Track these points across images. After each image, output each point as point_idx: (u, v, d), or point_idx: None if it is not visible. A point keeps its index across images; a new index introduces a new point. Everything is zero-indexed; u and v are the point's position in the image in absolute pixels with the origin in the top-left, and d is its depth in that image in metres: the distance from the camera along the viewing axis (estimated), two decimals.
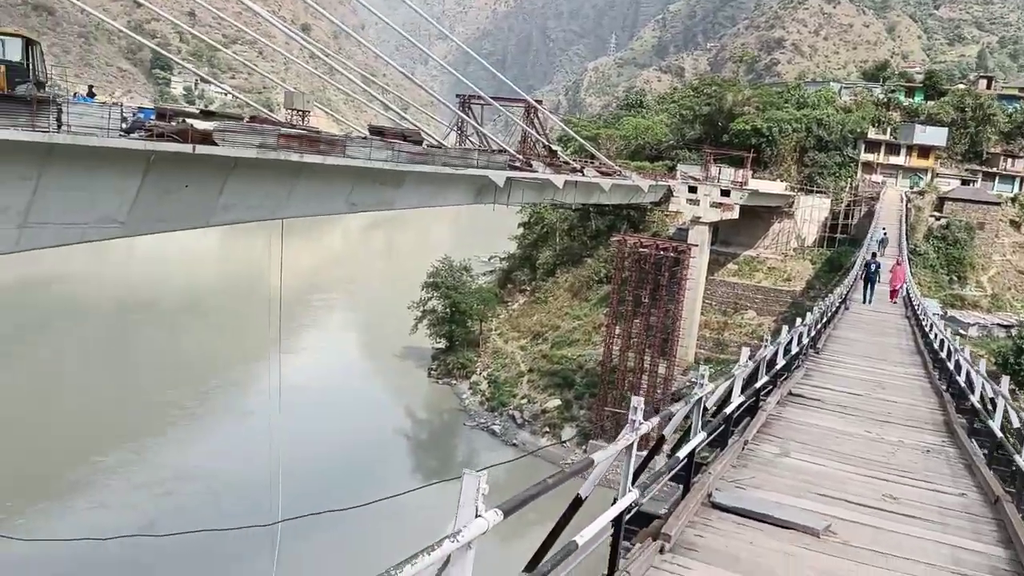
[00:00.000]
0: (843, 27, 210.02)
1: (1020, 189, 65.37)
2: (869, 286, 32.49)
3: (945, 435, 12.33)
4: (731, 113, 66.53)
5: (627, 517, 6.11)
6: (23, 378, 52.59)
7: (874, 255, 34.13)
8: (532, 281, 72.00)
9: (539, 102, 32.65)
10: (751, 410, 11.38)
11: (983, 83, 76.57)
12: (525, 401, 53.80)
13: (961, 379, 15.15)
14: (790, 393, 13.58)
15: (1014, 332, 48.46)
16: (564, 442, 48.63)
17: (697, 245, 50.26)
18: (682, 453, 7.55)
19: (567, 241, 70.89)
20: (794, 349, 15.36)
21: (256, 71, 50.35)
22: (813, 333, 18.30)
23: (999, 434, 11.22)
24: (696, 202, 52.28)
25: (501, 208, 76.93)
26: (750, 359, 10.69)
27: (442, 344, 63.53)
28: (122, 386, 51.78)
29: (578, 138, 39.33)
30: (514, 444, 49.61)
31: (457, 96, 35.06)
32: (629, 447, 5.58)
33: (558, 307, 64.33)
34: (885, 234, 50.98)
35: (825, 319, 21.11)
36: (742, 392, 10.18)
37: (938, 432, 12.50)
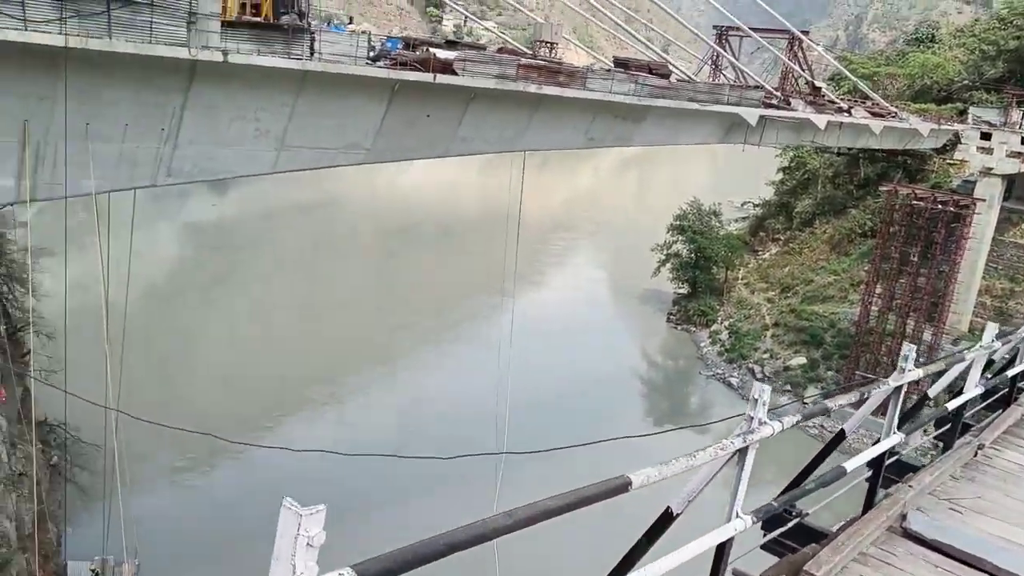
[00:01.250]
0: None
1: None
2: None
3: None
4: None
5: (887, 461, 6.21)
6: (290, 298, 58.73)
7: None
8: (787, 230, 67.78)
9: (805, 32, 29.63)
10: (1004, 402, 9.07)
11: None
12: (767, 356, 51.20)
13: None
14: None
15: None
16: (805, 402, 45.76)
17: (984, 200, 44.06)
18: (952, 405, 7.19)
19: (830, 189, 65.57)
20: None
21: (521, 9, 50.81)
22: None
23: None
24: (989, 151, 45.70)
25: (761, 152, 73.34)
26: None
27: (684, 290, 62.06)
28: (379, 309, 56.30)
29: (846, 72, 35.50)
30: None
31: (714, 28, 32.90)
32: (899, 388, 5.71)
33: (813, 260, 60.03)
34: None
35: None
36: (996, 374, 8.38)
37: None
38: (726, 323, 56.76)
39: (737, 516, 4.11)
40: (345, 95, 15.22)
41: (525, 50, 24.14)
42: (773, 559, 5.19)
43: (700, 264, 60.25)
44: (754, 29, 29.97)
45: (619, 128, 21.34)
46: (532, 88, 17.21)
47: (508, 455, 25.87)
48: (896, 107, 36.42)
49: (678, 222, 61.39)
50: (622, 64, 22.06)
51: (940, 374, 7.32)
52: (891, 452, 6.32)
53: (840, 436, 5.82)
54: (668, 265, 61.60)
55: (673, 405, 51.46)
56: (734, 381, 49.89)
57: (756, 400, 4.09)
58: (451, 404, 41.56)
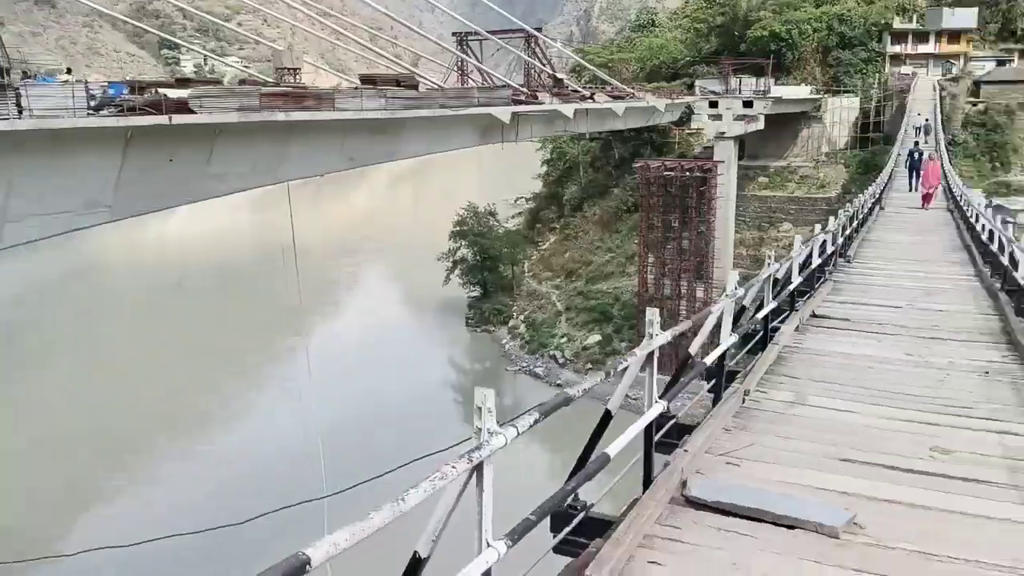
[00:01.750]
0: None
1: None
2: (915, 174, 30.94)
3: (1006, 348, 10.08)
4: (747, 20, 63.80)
5: (661, 431, 6.16)
6: (63, 376, 53.33)
7: (916, 143, 32.45)
8: (560, 218, 70.90)
9: (538, 30, 31.17)
10: (763, 343, 9.60)
11: None
12: (565, 340, 53.29)
13: (1019, 275, 12.63)
14: (812, 315, 11.62)
15: None
16: (609, 375, 48.10)
17: (723, 161, 48.58)
18: (710, 359, 7.25)
19: (591, 174, 69.40)
20: (815, 261, 13.22)
21: (261, 40, 49.31)
22: (840, 240, 16.39)
23: None
24: (718, 117, 50.42)
25: (525, 148, 75.88)
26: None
27: (476, 292, 63.17)
28: (166, 374, 52.34)
29: (582, 61, 37.76)
30: (558, 384, 49.22)
31: (453, 35, 33.71)
32: (649, 355, 5.59)
33: (589, 242, 63.29)
34: (927, 121, 48.84)
35: (856, 222, 19.44)
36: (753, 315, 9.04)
37: (996, 344, 10.30)
38: (521, 317, 58.41)
39: (488, 545, 3.55)
40: (72, 152, 13.87)
41: (267, 80, 23.38)
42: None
43: (487, 265, 61.56)
44: (492, 32, 31.12)
45: (379, 145, 21.21)
46: (280, 116, 16.64)
47: (332, 497, 24.89)
48: (633, 88, 39.14)
49: (458, 227, 62.33)
50: (369, 80, 21.94)
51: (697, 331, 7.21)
52: (666, 418, 6.18)
53: (607, 417, 5.45)
54: (457, 271, 62.40)
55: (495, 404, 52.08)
56: (539, 371, 51.45)
57: (481, 408, 3.52)
58: (262, 457, 39.45)
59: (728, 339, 7.37)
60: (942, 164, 32.71)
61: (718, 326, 7.43)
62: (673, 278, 47.59)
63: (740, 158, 56.07)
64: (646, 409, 5.70)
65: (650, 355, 5.61)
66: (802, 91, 58.10)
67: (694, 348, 6.86)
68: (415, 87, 22.36)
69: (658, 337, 5.65)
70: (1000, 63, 62.31)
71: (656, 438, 5.93)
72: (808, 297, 12.66)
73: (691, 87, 58.08)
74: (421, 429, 43.91)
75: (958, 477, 5.95)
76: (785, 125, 58.05)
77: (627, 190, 61.68)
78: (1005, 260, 14.02)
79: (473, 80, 30.07)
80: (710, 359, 7.14)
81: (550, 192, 75.86)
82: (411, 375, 52.82)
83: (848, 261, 16.54)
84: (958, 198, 26.21)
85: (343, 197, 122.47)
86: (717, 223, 48.48)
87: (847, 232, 17.64)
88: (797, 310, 11.53)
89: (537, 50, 30.75)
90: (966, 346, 10.16)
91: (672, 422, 6.49)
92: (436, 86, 23.70)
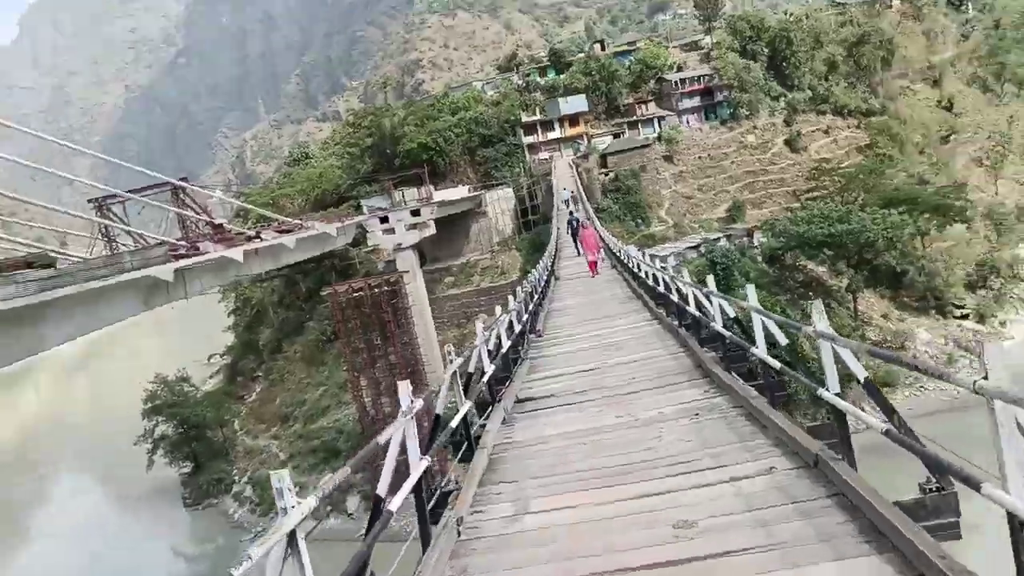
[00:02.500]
0: (467, 35, 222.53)
1: (660, 128, 72.70)
2: (576, 239, 33.52)
3: (704, 383, 10.05)
4: (395, 136, 67.05)
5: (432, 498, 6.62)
6: None
7: (571, 212, 35.41)
8: (262, 365, 67.57)
9: (184, 179, 29.74)
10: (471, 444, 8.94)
11: (598, 47, 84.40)
12: (297, 490, 49.89)
13: (691, 308, 12.84)
14: (517, 400, 11.09)
15: (702, 249, 53.57)
16: (351, 514, 45.75)
17: (408, 271, 49.72)
18: (454, 423, 8.28)
19: (282, 313, 67.38)
20: (505, 344, 12.97)
21: None
22: (527, 317, 16.68)
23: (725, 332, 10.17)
24: (392, 231, 51.74)
25: (209, 301, 71.45)
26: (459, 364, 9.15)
27: (188, 468, 57.38)
28: None
29: (242, 204, 36.68)
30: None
31: (89, 202, 31.00)
32: (409, 419, 6.04)
33: (297, 381, 60.80)
34: (572, 192, 54.22)
35: (537, 296, 20.20)
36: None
37: (693, 381, 10.31)
38: (244, 479, 53.97)
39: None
40: None
41: None
42: None
43: (192, 435, 56.34)
44: (133, 191, 29.06)
45: (18, 338, 18.41)
46: None
47: None
48: (300, 220, 38.80)
49: (150, 404, 56.63)
50: None
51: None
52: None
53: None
54: (160, 451, 56.33)
55: None
56: None
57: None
58: None
59: (420, 464, 6.22)
60: (595, 228, 36.13)
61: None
62: (391, 395, 46.94)
63: (423, 264, 57.84)
64: (412, 469, 6.11)
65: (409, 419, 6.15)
66: (460, 191, 61.87)
67: (381, 488, 5.75)
68: (50, 265, 19.90)
69: (414, 404, 6.22)
70: (615, 136, 71.68)
71: None
72: (508, 383, 12.05)
73: (359, 208, 59.26)
74: None
75: (710, 555, 5.28)
76: (456, 225, 61.21)
77: (322, 320, 60.60)
78: (675, 298, 14.34)
79: (124, 245, 27.71)
80: (397, 500, 5.76)
81: (243, 341, 72.29)
82: None
83: (539, 336, 16.92)
84: (618, 254, 28.74)
85: (9, 403, 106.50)
86: (418, 330, 49.09)
87: (531, 308, 18.02)
88: (499, 401, 10.78)
89: (187, 200, 29.23)
90: (668, 392, 9.99)
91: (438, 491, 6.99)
92: (79, 259, 21.33)
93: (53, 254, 20.66)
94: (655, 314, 16.39)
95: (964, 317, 54.85)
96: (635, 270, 22.08)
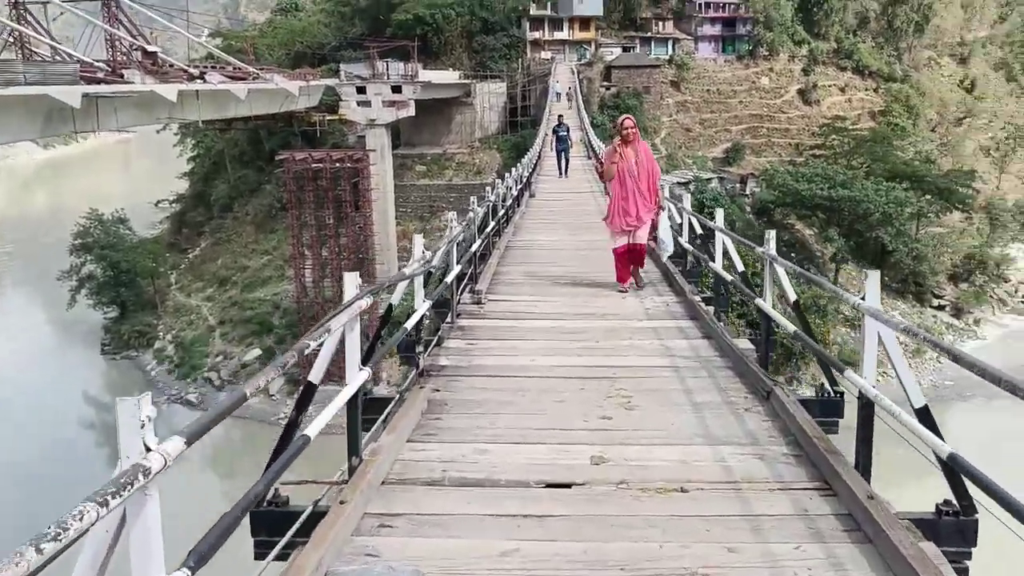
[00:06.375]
0: None
1: (673, 50, 68.09)
2: (563, 157, 27.18)
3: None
4: (391, 4, 61.74)
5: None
6: None
7: (560, 117, 29.80)
8: (210, 220, 63.69)
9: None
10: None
11: None
12: (221, 359, 47.16)
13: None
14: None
15: (691, 188, 50.29)
16: (272, 395, 43.19)
17: (375, 150, 45.76)
18: (409, 324, 6.65)
19: (240, 169, 63.11)
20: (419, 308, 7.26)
21: None
22: (476, 249, 11.32)
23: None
24: (368, 103, 47.46)
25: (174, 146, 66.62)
26: None
27: (113, 313, 54.13)
28: None
29: (185, 34, 32.14)
30: None
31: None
32: (352, 320, 4.71)
33: (243, 245, 57.23)
34: (568, 90, 50.21)
35: (496, 224, 14.23)
36: None
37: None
38: (169, 336, 50.99)
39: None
40: None
41: None
42: None
43: (122, 280, 52.71)
44: None
45: None
46: None
47: None
48: (259, 69, 34.44)
49: (80, 241, 52.83)
50: None
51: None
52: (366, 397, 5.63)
53: (309, 390, 4.73)
54: (84, 291, 52.88)
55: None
56: (193, 398, 44.94)
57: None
58: None
59: (358, 376, 5.39)
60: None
61: None
62: (335, 279, 43.82)
63: (396, 147, 53.87)
64: (348, 379, 4.74)
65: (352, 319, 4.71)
66: (450, 76, 57.33)
67: (314, 375, 4.88)
68: None
69: (358, 301, 4.72)
70: (625, 49, 66.94)
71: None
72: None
73: (337, 73, 54.59)
74: (67, 484, 35.90)
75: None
76: (438, 111, 56.95)
77: (279, 186, 56.63)
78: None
79: (44, 57, 23.59)
80: (409, 324, 6.62)
81: (196, 192, 68.10)
82: (41, 422, 43.45)
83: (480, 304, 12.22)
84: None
85: None
86: (376, 216, 45.63)
87: (482, 240, 12.32)
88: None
89: (121, 16, 24.90)
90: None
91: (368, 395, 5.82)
92: None
93: None
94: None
95: (941, 308, 52.83)
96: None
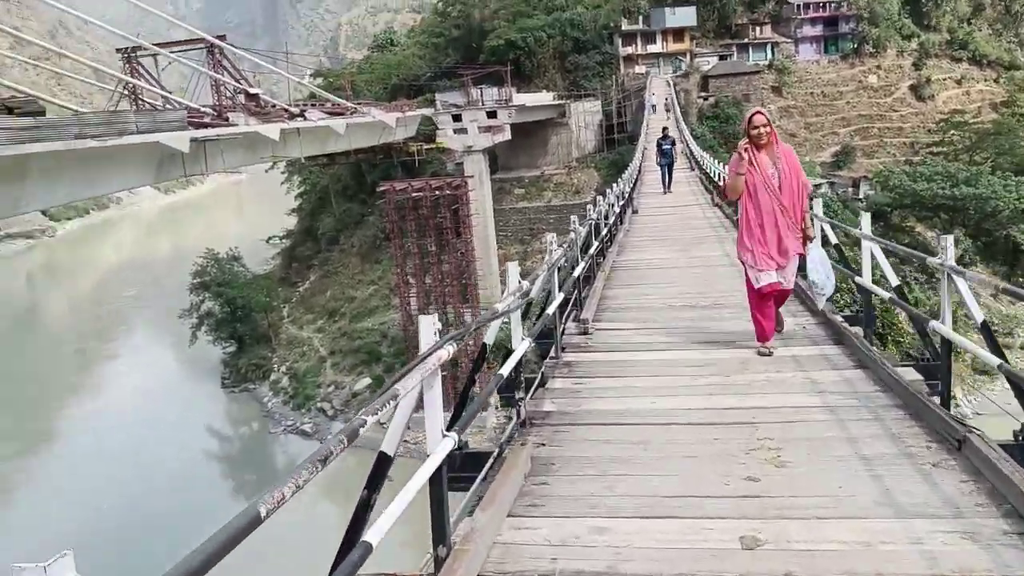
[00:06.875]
0: None
1: (772, 55, 66.06)
2: (667, 170, 25.48)
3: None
4: (483, 30, 62.42)
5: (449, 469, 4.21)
6: None
7: (665, 130, 28.14)
8: (318, 254, 65.64)
9: (222, 38, 26.22)
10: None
11: None
12: (332, 388, 48.16)
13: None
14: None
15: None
16: (383, 423, 43.63)
17: (473, 176, 46.00)
18: (505, 370, 5.58)
19: (344, 203, 64.82)
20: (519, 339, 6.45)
21: None
22: (579, 273, 10.23)
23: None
24: (464, 131, 47.89)
25: (278, 184, 69.11)
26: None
27: (231, 348, 56.28)
28: None
29: (287, 75, 33.19)
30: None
31: (118, 51, 27.96)
32: (430, 376, 3.79)
33: (350, 276, 58.61)
34: (666, 101, 49.46)
35: (600, 244, 13.29)
36: None
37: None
38: (283, 368, 52.51)
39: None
40: None
41: None
42: None
43: (238, 316, 54.81)
44: (161, 44, 25.81)
45: None
46: None
47: None
48: (357, 104, 35.19)
49: (197, 280, 55.27)
50: None
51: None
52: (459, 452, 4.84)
53: (383, 462, 3.81)
54: (204, 328, 55.20)
55: (257, 473, 45.88)
56: (308, 428, 45.95)
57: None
58: None
59: (522, 345, 5.61)
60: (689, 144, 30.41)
61: None
62: (439, 305, 44.12)
63: (493, 172, 54.09)
64: (429, 449, 3.78)
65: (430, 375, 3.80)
66: (545, 97, 57.29)
67: (388, 445, 4.04)
68: (39, 113, 16.91)
69: (439, 350, 3.81)
70: (721, 58, 65.38)
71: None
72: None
73: (433, 103, 55.42)
74: (189, 510, 37.39)
75: None
76: (534, 134, 56.95)
77: (382, 217, 57.77)
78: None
79: (154, 106, 24.73)
80: (505, 369, 5.60)
81: (304, 227, 70.38)
82: (169, 451, 45.43)
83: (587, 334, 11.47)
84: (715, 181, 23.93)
85: (83, 260, 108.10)
86: (477, 241, 45.73)
87: (585, 264, 11.08)
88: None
89: (224, 63, 25.92)
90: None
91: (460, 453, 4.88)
92: (71, 111, 18.33)
93: (43, 102, 17.62)
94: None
95: None
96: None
